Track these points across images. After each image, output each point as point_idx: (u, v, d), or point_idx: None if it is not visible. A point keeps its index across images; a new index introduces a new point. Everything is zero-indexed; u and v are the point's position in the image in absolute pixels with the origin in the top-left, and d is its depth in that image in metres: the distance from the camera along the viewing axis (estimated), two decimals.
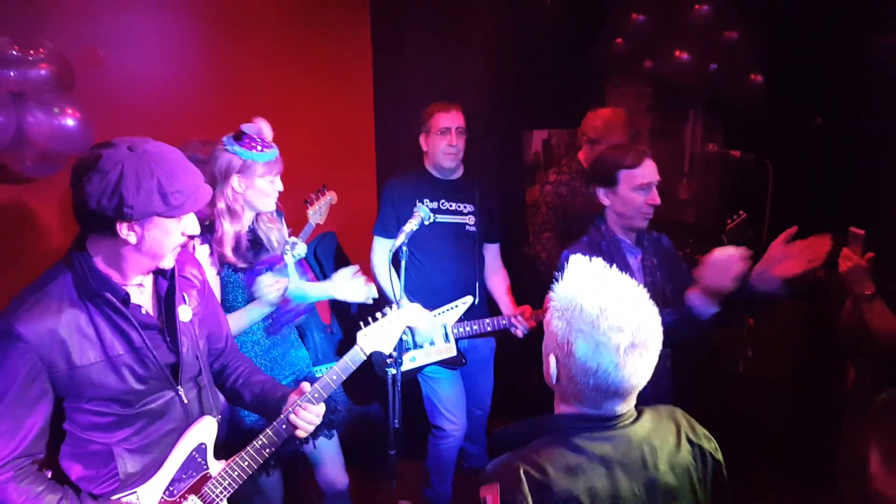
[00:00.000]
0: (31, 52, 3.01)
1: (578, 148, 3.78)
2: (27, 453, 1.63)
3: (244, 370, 2.12)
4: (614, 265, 1.40)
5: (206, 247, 2.33)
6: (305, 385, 1.98)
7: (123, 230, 1.59)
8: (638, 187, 2.40)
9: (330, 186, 3.49)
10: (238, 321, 2.35)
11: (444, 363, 3.10)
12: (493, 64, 4.23)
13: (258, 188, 2.36)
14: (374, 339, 2.12)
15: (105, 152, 1.55)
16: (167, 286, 1.80)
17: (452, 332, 3.04)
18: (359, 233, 4.12)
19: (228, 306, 2.38)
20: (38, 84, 3.05)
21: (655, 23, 4.54)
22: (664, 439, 1.41)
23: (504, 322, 3.06)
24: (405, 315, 2.18)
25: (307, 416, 1.94)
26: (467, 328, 3.05)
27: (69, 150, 3.14)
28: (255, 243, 2.45)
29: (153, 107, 3.65)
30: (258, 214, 2.47)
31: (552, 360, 1.37)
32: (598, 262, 1.40)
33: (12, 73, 2.98)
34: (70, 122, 3.07)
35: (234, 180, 2.34)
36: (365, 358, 2.11)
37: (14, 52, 2.96)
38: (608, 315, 1.28)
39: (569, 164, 3.69)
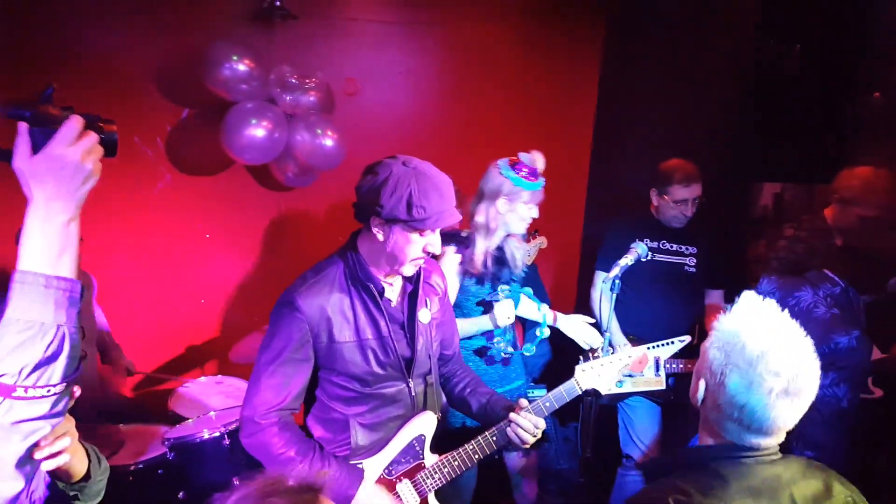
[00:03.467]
0: (306, 80, 3.49)
1: (824, 205, 3.45)
2: (290, 406, 1.89)
3: (471, 380, 2.27)
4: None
5: (459, 256, 2.56)
6: (523, 401, 2.06)
7: (375, 226, 1.82)
8: None
9: (537, 225, 3.60)
10: (467, 327, 2.54)
11: (649, 395, 3.08)
12: (728, 110, 4.04)
13: (518, 213, 2.52)
14: (591, 375, 2.14)
15: (386, 160, 1.83)
16: (412, 289, 2.01)
17: (665, 366, 3.01)
18: (557, 272, 4.17)
19: (465, 312, 2.60)
20: (307, 108, 3.53)
21: None
22: (813, 485, 1.34)
23: None
24: (627, 359, 2.18)
25: (523, 434, 2.00)
26: (681, 366, 3.01)
27: (324, 166, 3.59)
28: (499, 260, 2.62)
29: (398, 133, 4.06)
30: (508, 235, 2.63)
31: (702, 384, 1.38)
32: (772, 303, 1.38)
33: (288, 98, 3.49)
34: (328, 142, 3.51)
35: (501, 202, 2.52)
36: (580, 393, 2.13)
37: (293, 80, 3.45)
38: (768, 359, 1.28)
39: (811, 221, 3.38)
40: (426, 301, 2.04)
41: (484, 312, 2.58)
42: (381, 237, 1.84)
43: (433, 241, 1.87)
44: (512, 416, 2.01)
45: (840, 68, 3.98)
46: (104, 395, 3.05)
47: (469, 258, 2.55)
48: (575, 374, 2.14)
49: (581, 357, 2.18)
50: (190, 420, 2.77)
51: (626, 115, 4.51)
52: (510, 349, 2.63)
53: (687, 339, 2.95)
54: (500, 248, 2.63)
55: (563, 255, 4.60)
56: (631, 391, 3.04)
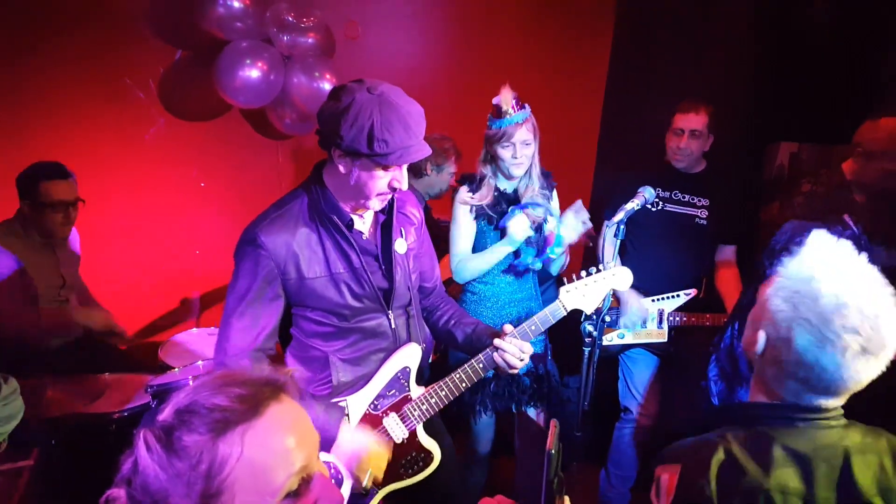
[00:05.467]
0: (304, 19, 3.31)
1: (842, 160, 3.30)
2: (262, 347, 1.81)
3: (455, 312, 2.19)
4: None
5: (471, 194, 2.60)
6: (508, 327, 1.99)
7: (336, 158, 1.72)
8: None
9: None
10: (485, 260, 2.55)
11: (651, 348, 3.03)
12: (746, 67, 3.85)
13: (500, 154, 2.52)
14: (576, 296, 2.07)
15: (350, 84, 1.69)
16: (385, 219, 1.92)
17: (668, 319, 2.96)
18: None
19: (481, 250, 2.60)
20: (305, 50, 3.37)
21: None
22: (878, 456, 1.21)
23: (724, 321, 2.87)
24: (611, 277, 2.10)
25: (510, 358, 1.94)
26: (684, 319, 2.96)
27: None
28: (509, 199, 2.62)
29: (400, 81, 3.84)
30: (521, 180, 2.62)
31: (762, 335, 1.24)
32: (847, 245, 1.23)
33: (285, 38, 3.32)
34: (327, 86, 3.35)
35: (487, 145, 2.56)
36: (565, 313, 2.07)
37: (289, 19, 3.28)
38: (846, 313, 1.13)
39: (828, 176, 3.26)
40: (401, 231, 1.95)
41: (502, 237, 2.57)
42: (343, 169, 1.73)
43: (399, 176, 1.76)
44: (497, 341, 1.94)
45: (872, 18, 3.76)
46: (90, 344, 2.96)
47: (480, 196, 2.57)
48: (560, 295, 2.07)
49: (565, 279, 2.09)
50: (177, 369, 2.69)
51: (641, 66, 4.31)
52: (537, 263, 2.60)
53: (693, 292, 2.97)
54: (515, 191, 2.62)
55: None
56: (632, 343, 3.00)
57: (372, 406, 1.95)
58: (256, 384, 0.97)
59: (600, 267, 2.11)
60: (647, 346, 3.04)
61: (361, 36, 3.89)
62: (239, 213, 2.06)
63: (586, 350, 2.24)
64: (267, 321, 1.80)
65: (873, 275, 1.20)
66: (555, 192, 2.73)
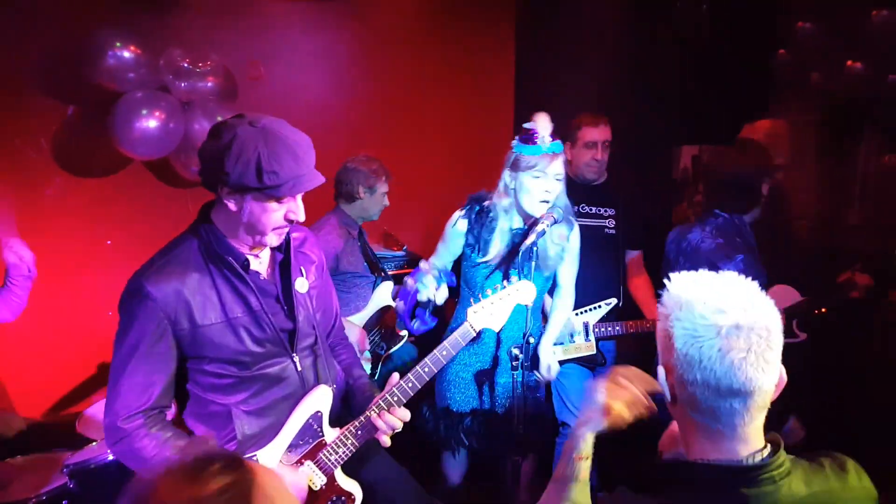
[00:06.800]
0: (200, 64, 3.24)
1: None
2: (156, 406, 1.68)
3: (346, 357, 2.14)
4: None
5: (465, 222, 2.40)
6: (395, 376, 1.92)
7: (225, 196, 1.62)
8: None
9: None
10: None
11: (582, 361, 3.04)
12: (644, 75, 4.03)
13: (525, 186, 2.31)
14: (483, 315, 2.02)
15: (230, 121, 1.61)
16: (283, 258, 1.83)
17: (594, 331, 2.99)
18: None
19: (471, 287, 2.42)
20: (205, 94, 3.29)
21: (826, 31, 4.13)
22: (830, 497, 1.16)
23: (648, 326, 2.99)
24: (515, 293, 2.07)
25: (391, 419, 1.86)
26: (609, 329, 3.00)
27: None
28: (520, 251, 2.28)
29: (308, 117, 3.82)
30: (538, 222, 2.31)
31: (661, 370, 1.20)
32: (705, 273, 1.23)
33: (182, 85, 3.23)
34: None
35: (506, 173, 2.34)
36: (474, 334, 2.03)
37: (185, 65, 3.20)
38: (707, 299, 1.12)
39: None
40: (301, 270, 1.86)
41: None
42: (233, 207, 1.63)
43: (295, 207, 1.68)
44: (372, 415, 1.87)
45: (749, 29, 4.03)
46: None
47: (481, 238, 2.35)
48: (467, 316, 2.03)
49: (472, 300, 2.07)
50: (95, 443, 2.52)
51: (546, 82, 4.45)
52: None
53: (613, 301, 3.01)
54: (524, 233, 2.30)
55: None
56: (563, 358, 2.99)
57: (285, 458, 1.84)
58: (229, 472, 0.91)
59: (505, 283, 2.08)
60: (577, 360, 3.06)
61: (265, 76, 3.84)
62: None
63: (516, 374, 2.22)
64: (160, 378, 1.67)
65: (729, 275, 1.20)
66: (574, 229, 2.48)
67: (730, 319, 1.10)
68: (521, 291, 2.07)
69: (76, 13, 3.26)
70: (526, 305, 2.11)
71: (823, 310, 2.95)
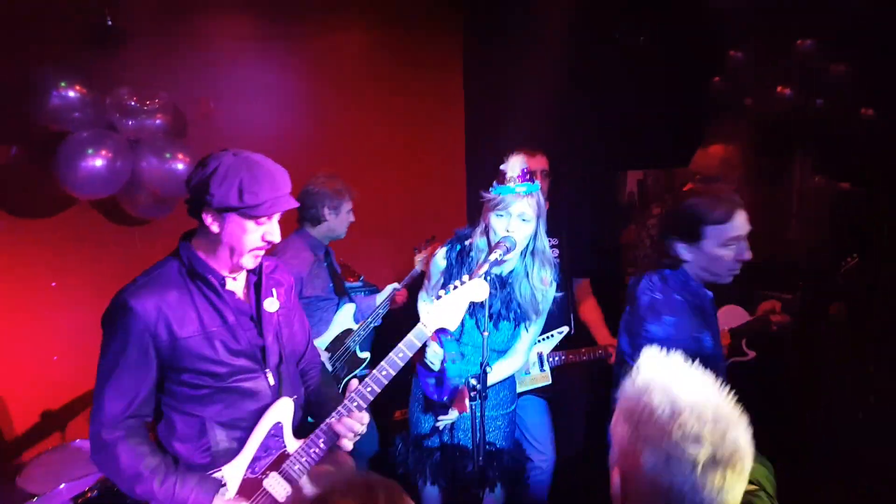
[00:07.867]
0: (148, 102, 3.21)
1: (683, 185, 3.63)
2: (137, 414, 1.80)
3: (315, 379, 2.22)
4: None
5: (444, 262, 2.48)
6: (354, 382, 1.98)
7: (208, 218, 1.78)
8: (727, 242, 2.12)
9: (419, 230, 3.53)
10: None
11: (537, 392, 3.05)
12: (586, 105, 4.16)
13: (492, 223, 2.37)
14: (436, 314, 2.03)
15: (216, 153, 1.81)
16: (256, 279, 1.97)
17: (548, 360, 3.01)
18: None
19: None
20: (153, 132, 3.25)
21: (756, 59, 4.36)
22: None
23: (600, 352, 3.05)
24: (466, 290, 2.06)
25: (350, 423, 1.92)
26: (563, 358, 3.03)
27: (179, 193, 3.30)
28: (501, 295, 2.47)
29: (257, 152, 3.82)
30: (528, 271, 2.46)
31: (616, 474, 1.12)
32: (677, 356, 1.17)
33: (129, 123, 3.19)
34: (181, 166, 3.24)
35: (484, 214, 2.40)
36: (429, 335, 2.04)
37: (132, 103, 3.17)
38: (682, 421, 1.03)
39: (674, 199, 3.54)
40: (272, 291, 1.99)
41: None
42: (215, 229, 1.79)
43: (271, 229, 1.83)
44: (333, 422, 1.92)
45: (684, 57, 4.20)
46: None
47: (455, 275, 2.38)
48: (421, 317, 2.04)
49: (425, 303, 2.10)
50: (35, 498, 2.41)
51: (494, 114, 4.55)
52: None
53: (565, 329, 3.03)
54: (503, 280, 2.41)
55: None
56: (520, 390, 2.97)
57: (250, 470, 1.90)
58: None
59: (457, 283, 2.08)
60: (533, 391, 3.05)
61: (214, 112, 3.82)
62: (97, 309, 1.93)
63: (474, 404, 2.18)
64: (142, 386, 1.79)
65: (705, 380, 1.12)
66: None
67: (705, 453, 1.02)
68: (473, 288, 2.07)
69: (19, 51, 3.19)
70: (481, 303, 2.11)
71: (773, 327, 3.02)
